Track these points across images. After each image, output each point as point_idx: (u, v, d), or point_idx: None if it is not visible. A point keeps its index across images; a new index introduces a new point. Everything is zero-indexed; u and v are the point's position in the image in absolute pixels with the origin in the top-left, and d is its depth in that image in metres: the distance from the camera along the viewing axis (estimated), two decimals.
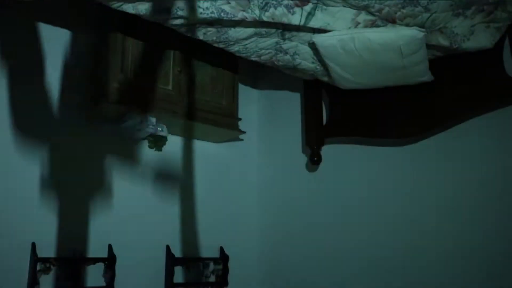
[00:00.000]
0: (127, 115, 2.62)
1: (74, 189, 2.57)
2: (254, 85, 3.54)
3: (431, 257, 2.35)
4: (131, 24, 2.59)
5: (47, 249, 2.38)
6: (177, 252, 2.78)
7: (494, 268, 2.14)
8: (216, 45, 2.28)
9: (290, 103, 3.23)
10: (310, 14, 2.01)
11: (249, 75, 3.49)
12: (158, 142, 2.80)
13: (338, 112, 2.86)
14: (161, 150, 2.80)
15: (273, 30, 2.22)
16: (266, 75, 3.45)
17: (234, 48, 2.32)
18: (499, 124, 2.24)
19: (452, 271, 2.27)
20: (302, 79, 2.87)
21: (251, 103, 3.42)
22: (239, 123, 3.05)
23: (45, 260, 2.35)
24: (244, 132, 3.07)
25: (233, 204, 3.16)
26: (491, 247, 2.17)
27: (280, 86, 3.35)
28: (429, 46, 2.14)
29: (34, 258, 2.31)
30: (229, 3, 1.92)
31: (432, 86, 2.36)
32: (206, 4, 1.92)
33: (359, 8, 1.99)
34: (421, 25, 2.02)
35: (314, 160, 2.85)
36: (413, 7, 1.94)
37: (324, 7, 1.99)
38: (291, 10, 1.99)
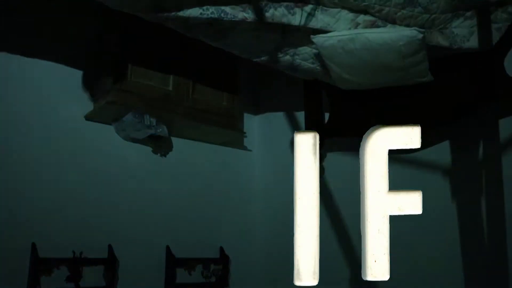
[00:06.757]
0: (127, 115, 2.62)
1: (74, 189, 2.57)
2: (255, 85, 3.54)
3: (430, 256, 2.36)
4: (131, 24, 2.59)
5: (47, 250, 2.38)
6: (177, 253, 2.78)
7: None
8: (216, 45, 2.27)
9: (290, 103, 3.23)
10: (310, 15, 2.01)
11: (249, 75, 3.49)
12: (158, 142, 2.81)
13: (338, 113, 2.85)
14: (165, 156, 2.85)
15: (273, 31, 2.22)
16: (266, 75, 3.44)
17: (234, 48, 2.32)
18: None
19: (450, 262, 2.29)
20: (302, 79, 2.87)
21: (251, 103, 3.42)
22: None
23: (45, 261, 2.34)
24: (244, 132, 3.07)
25: (233, 204, 3.16)
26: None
27: (280, 86, 3.34)
28: (429, 47, 2.14)
29: (35, 259, 2.31)
30: (229, 3, 1.92)
31: (433, 87, 2.35)
32: (206, 5, 1.92)
33: (359, 9, 1.99)
34: (421, 26, 2.02)
35: None
36: (413, 8, 1.94)
37: (324, 8, 1.99)
38: (291, 11, 1.99)
